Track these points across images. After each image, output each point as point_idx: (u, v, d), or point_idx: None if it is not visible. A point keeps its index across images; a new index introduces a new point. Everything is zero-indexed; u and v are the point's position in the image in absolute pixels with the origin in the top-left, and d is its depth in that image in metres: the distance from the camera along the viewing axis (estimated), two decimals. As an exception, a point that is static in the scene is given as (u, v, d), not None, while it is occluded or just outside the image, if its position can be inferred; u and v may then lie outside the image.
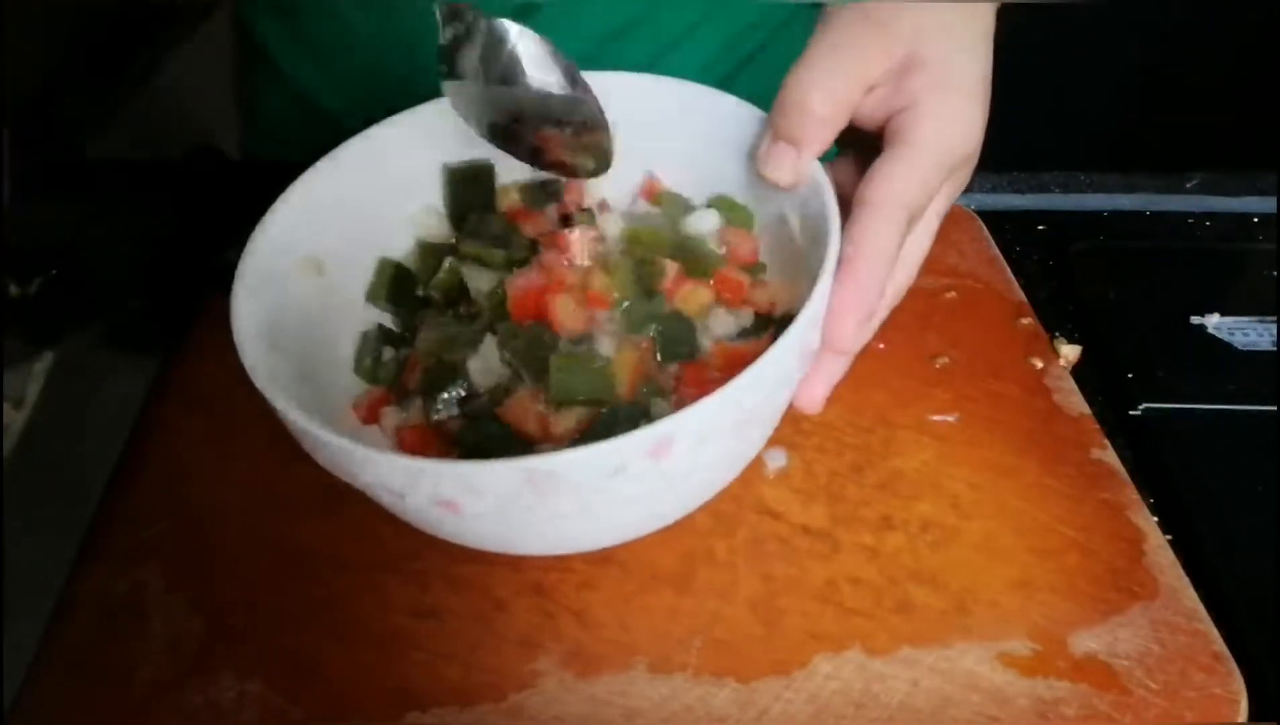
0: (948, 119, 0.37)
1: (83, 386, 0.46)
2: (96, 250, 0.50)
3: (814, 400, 0.38)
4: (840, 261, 0.35)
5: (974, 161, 0.40)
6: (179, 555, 0.41)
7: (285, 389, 0.34)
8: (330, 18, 0.63)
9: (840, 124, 0.38)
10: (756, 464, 0.44)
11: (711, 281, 0.43)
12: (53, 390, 0.43)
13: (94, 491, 0.44)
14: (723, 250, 0.44)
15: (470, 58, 0.39)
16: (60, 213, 0.49)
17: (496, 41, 0.40)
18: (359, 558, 0.41)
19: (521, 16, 0.60)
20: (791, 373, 0.36)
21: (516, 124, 0.42)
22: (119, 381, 0.49)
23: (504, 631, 0.38)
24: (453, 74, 0.40)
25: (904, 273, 0.39)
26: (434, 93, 0.46)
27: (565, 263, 0.43)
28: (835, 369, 0.38)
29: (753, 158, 0.42)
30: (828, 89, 0.37)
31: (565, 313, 0.40)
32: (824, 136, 0.38)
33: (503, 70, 0.40)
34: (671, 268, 0.42)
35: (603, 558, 0.41)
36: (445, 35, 0.39)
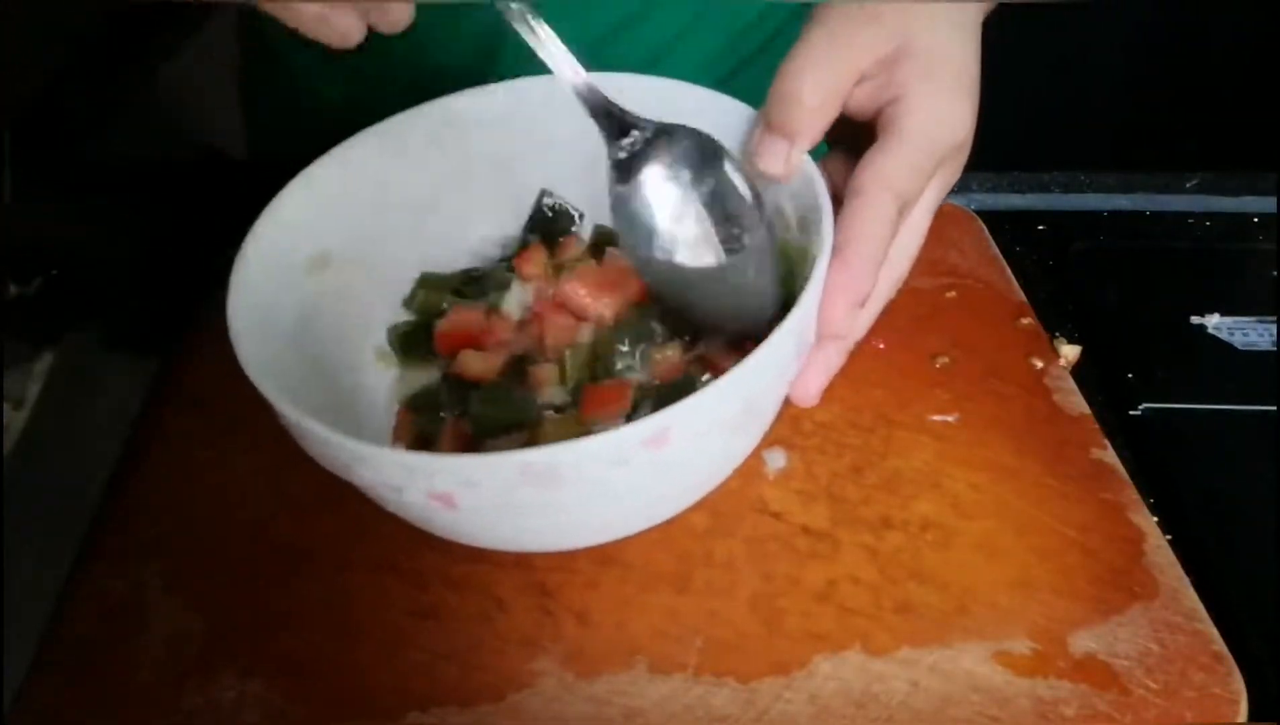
0: (937, 109, 0.38)
1: (83, 386, 0.46)
2: (96, 250, 0.50)
3: (809, 393, 0.38)
4: (833, 249, 0.36)
5: (965, 153, 0.40)
6: (179, 555, 0.41)
7: (282, 384, 0.34)
8: None
9: (831, 115, 0.38)
10: (757, 464, 0.44)
11: None
12: (53, 390, 0.43)
13: (94, 491, 0.44)
14: None
15: None
16: (60, 213, 0.49)
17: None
18: (359, 557, 0.41)
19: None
20: (789, 362, 0.36)
21: None
22: (119, 381, 0.49)
23: (504, 631, 0.38)
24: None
25: (899, 264, 0.39)
26: (437, 89, 0.47)
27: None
28: (831, 361, 0.38)
29: (746, 153, 0.42)
30: (819, 80, 0.37)
31: (473, 364, 0.42)
32: (816, 127, 0.38)
33: None
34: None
35: (603, 557, 0.41)
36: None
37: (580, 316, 0.44)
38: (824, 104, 0.37)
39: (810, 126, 0.38)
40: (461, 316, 0.45)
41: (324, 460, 0.35)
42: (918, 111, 0.37)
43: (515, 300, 0.45)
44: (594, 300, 0.43)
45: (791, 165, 0.39)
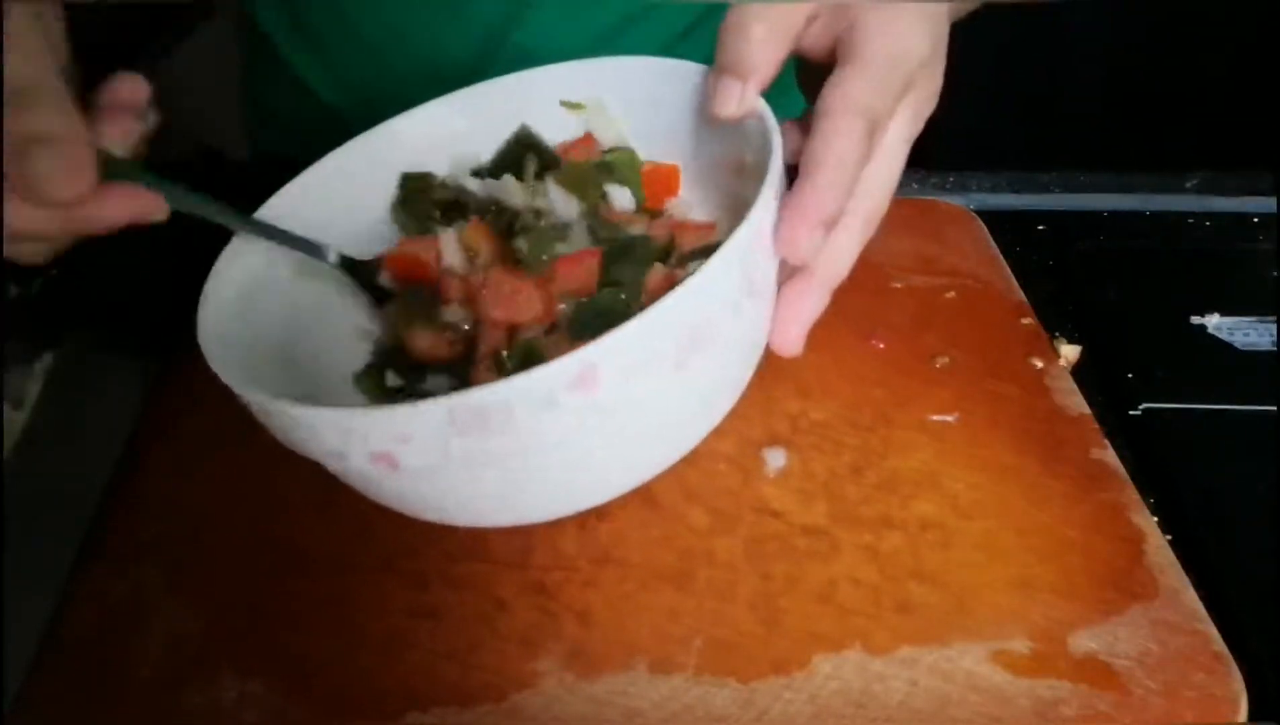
0: (892, 30, 0.37)
1: (83, 386, 0.46)
2: (96, 250, 0.50)
3: (788, 340, 0.36)
4: (801, 171, 0.34)
5: (933, 79, 0.39)
6: (179, 555, 0.41)
7: (239, 362, 0.35)
8: (330, 7, 0.63)
9: (781, 50, 0.37)
10: (756, 463, 0.44)
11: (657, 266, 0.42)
12: (53, 390, 0.43)
13: (94, 491, 0.44)
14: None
15: None
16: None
17: None
18: (359, 557, 0.41)
19: (517, 15, 0.60)
20: (733, 291, 0.33)
21: None
22: (119, 381, 0.49)
23: (504, 631, 0.38)
24: None
25: (874, 193, 0.38)
26: (432, 90, 0.47)
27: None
28: (807, 304, 0.36)
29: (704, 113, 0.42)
30: (765, 15, 0.36)
31: (420, 341, 0.41)
32: (765, 61, 0.37)
33: None
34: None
35: (603, 557, 0.41)
36: None
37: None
38: (772, 37, 0.36)
39: (760, 61, 0.36)
40: (410, 249, 0.44)
41: (277, 435, 0.34)
42: (875, 36, 0.36)
43: (452, 250, 0.43)
44: (510, 311, 0.41)
45: (745, 105, 0.37)
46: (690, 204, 0.46)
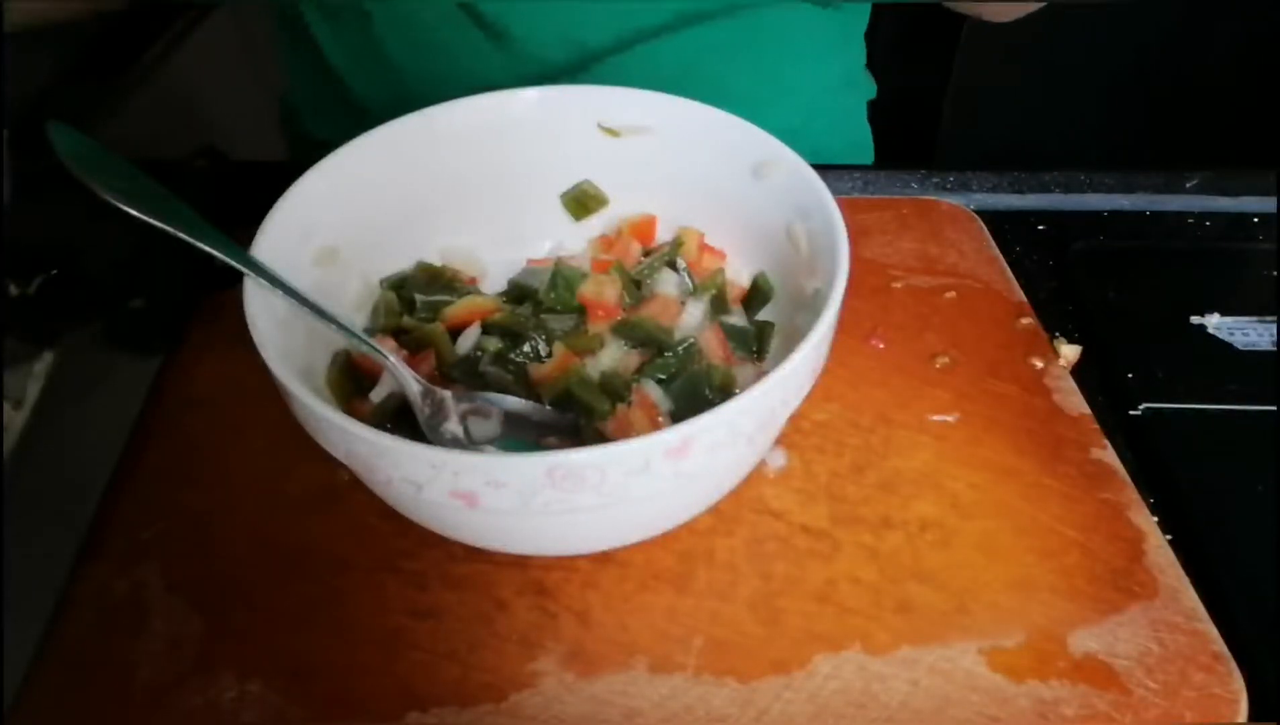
0: None
1: (83, 386, 0.46)
2: (96, 250, 0.50)
3: None
4: None
5: None
6: (179, 555, 0.41)
7: (299, 376, 0.35)
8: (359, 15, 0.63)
9: None
10: (757, 464, 0.44)
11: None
12: (53, 390, 0.43)
13: (94, 491, 0.44)
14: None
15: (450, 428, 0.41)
16: (60, 213, 0.49)
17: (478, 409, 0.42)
18: (359, 557, 0.41)
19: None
20: (807, 378, 0.37)
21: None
22: (119, 381, 0.49)
23: (504, 631, 0.38)
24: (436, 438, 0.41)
25: None
26: (455, 91, 0.47)
27: None
28: None
29: (754, 173, 0.44)
30: None
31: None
32: None
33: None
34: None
35: (603, 557, 0.41)
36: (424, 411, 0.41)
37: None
38: None
39: None
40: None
41: (340, 452, 0.35)
42: None
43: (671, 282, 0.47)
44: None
45: None
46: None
